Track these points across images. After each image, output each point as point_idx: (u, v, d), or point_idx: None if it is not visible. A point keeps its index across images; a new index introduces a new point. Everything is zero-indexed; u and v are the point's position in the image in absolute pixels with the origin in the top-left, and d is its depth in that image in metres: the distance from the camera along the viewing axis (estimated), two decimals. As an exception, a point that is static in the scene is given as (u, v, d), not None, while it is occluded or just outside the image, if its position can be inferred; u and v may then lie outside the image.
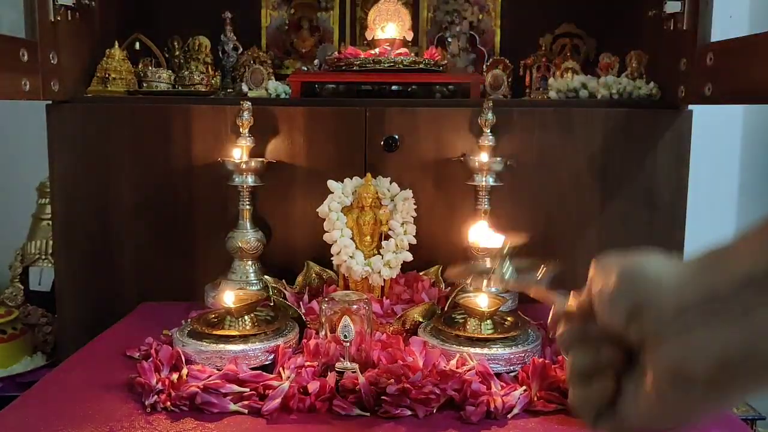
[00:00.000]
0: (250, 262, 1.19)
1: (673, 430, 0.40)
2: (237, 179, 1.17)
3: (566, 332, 0.46)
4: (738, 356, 0.34)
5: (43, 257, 1.53)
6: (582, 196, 1.26)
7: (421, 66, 1.26)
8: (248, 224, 1.19)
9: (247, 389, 0.84)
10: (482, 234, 1.06)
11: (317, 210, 1.11)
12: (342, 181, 1.13)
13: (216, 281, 1.20)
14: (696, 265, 0.38)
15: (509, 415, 0.82)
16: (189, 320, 0.99)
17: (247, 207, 1.19)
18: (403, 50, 1.29)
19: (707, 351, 0.35)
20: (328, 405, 0.83)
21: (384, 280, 1.10)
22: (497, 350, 0.90)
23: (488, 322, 0.95)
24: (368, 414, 0.82)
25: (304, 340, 0.94)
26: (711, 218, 1.69)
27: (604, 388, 0.41)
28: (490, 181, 1.17)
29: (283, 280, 1.15)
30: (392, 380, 0.83)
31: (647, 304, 0.38)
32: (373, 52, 1.28)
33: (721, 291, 0.36)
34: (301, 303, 1.09)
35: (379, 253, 1.10)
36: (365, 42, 1.39)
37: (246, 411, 0.82)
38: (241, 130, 1.18)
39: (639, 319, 0.38)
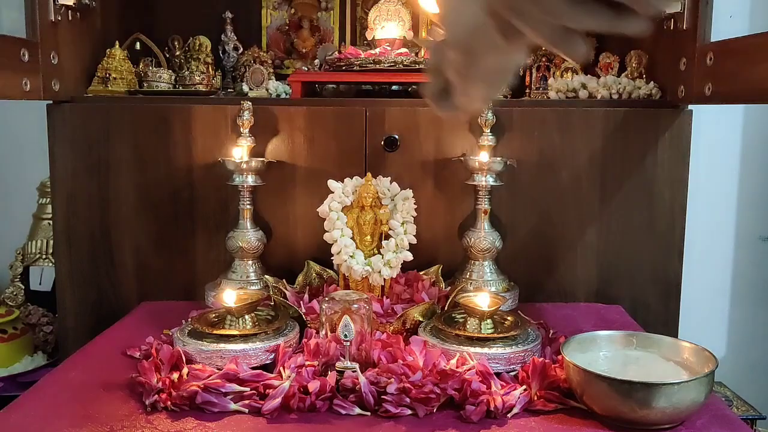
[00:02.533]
0: (250, 262, 1.19)
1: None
2: (237, 179, 1.17)
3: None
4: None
5: (44, 257, 1.53)
6: (582, 196, 1.26)
7: (421, 66, 1.26)
8: (249, 224, 1.19)
9: (248, 389, 0.84)
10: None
11: (317, 210, 1.11)
12: (342, 181, 1.13)
13: (216, 281, 1.20)
14: None
15: (509, 415, 0.82)
16: (189, 320, 0.99)
17: (248, 207, 1.19)
18: (404, 50, 1.29)
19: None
20: (328, 404, 0.83)
21: (384, 279, 1.10)
22: (497, 350, 0.91)
23: (488, 321, 0.95)
24: (368, 413, 0.82)
25: (305, 340, 0.94)
26: (711, 218, 1.69)
27: (440, 80, 0.53)
28: (490, 181, 1.17)
29: (284, 280, 1.15)
30: (392, 380, 0.83)
31: None
32: (373, 52, 1.29)
33: None
34: (301, 302, 1.09)
35: (379, 253, 1.11)
36: (365, 42, 1.39)
37: (246, 410, 0.82)
38: (241, 129, 1.18)
39: None
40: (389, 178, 1.15)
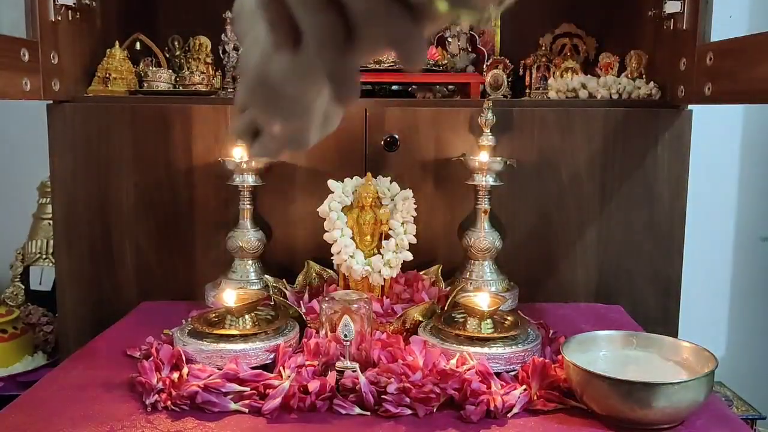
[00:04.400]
0: (250, 262, 1.19)
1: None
2: (237, 179, 1.17)
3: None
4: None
5: (44, 257, 1.53)
6: (582, 196, 1.26)
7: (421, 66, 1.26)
8: (249, 224, 1.19)
9: (248, 388, 0.84)
10: None
11: (317, 209, 1.11)
12: (342, 181, 1.13)
13: (216, 281, 1.20)
14: None
15: (509, 415, 0.82)
16: (189, 319, 0.99)
17: (248, 206, 1.19)
18: (404, 50, 1.29)
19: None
20: (328, 404, 0.83)
21: (384, 279, 1.10)
22: (497, 350, 0.91)
23: (488, 321, 0.95)
24: (368, 413, 0.82)
25: (305, 340, 0.94)
26: (711, 218, 1.69)
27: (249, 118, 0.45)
28: (490, 180, 1.17)
29: (284, 280, 1.15)
30: (392, 379, 0.83)
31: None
32: (373, 52, 1.28)
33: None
34: (301, 302, 1.09)
35: (379, 253, 1.11)
36: (365, 42, 1.39)
37: (246, 410, 0.82)
38: (241, 129, 1.18)
39: None
40: (389, 178, 1.15)
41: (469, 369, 0.86)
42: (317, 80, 0.39)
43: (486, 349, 0.90)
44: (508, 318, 0.99)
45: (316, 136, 0.45)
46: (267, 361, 0.91)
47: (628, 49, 1.34)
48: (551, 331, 1.04)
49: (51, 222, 1.31)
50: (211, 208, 1.26)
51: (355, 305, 0.90)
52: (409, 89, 1.34)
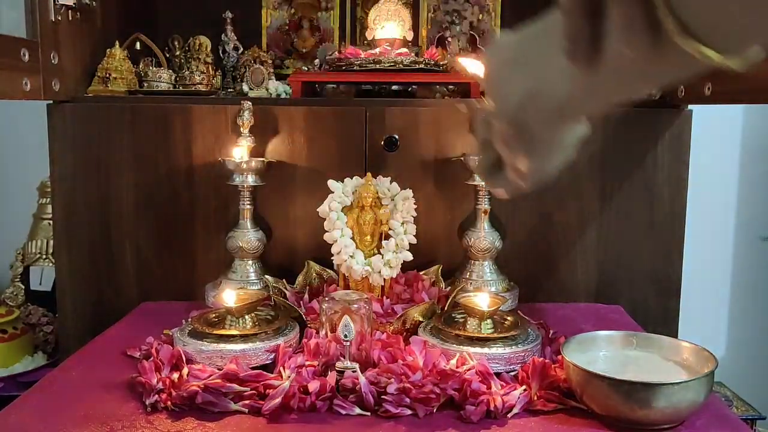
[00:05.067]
0: (250, 262, 1.19)
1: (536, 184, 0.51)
2: (237, 179, 1.17)
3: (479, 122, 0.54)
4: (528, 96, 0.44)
5: (44, 257, 1.53)
6: (582, 196, 1.26)
7: (421, 66, 1.26)
8: (249, 224, 1.19)
9: (248, 389, 0.84)
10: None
11: (317, 210, 1.11)
12: (342, 181, 1.13)
13: (216, 281, 1.20)
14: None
15: (509, 415, 0.82)
16: (189, 320, 0.99)
17: (248, 206, 1.19)
18: (403, 50, 1.29)
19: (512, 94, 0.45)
20: (328, 404, 0.83)
21: (384, 279, 1.10)
22: (497, 350, 0.91)
23: (488, 321, 0.95)
24: (368, 413, 0.82)
25: (305, 340, 0.94)
26: (711, 218, 1.69)
27: (492, 154, 0.51)
28: (491, 180, 1.16)
29: (284, 280, 1.15)
30: (392, 380, 0.83)
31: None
32: (373, 51, 1.29)
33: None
34: (301, 302, 1.09)
35: (379, 253, 1.11)
36: (365, 42, 1.39)
37: (246, 410, 0.82)
38: (241, 129, 1.18)
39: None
40: (389, 178, 1.15)
41: (469, 369, 0.86)
42: (579, 114, 0.45)
43: (486, 350, 0.90)
44: (508, 318, 0.99)
45: (557, 168, 0.50)
46: (267, 362, 0.91)
47: (628, 49, 1.34)
48: (551, 331, 1.04)
49: (51, 222, 1.31)
50: (211, 208, 1.26)
51: (355, 305, 0.90)
52: (409, 89, 1.34)
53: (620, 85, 0.40)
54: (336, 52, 1.33)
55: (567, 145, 0.49)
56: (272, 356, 0.92)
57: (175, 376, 0.86)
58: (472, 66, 0.94)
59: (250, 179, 1.18)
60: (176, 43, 1.43)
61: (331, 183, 1.12)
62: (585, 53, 0.37)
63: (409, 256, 1.10)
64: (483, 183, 1.15)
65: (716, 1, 0.33)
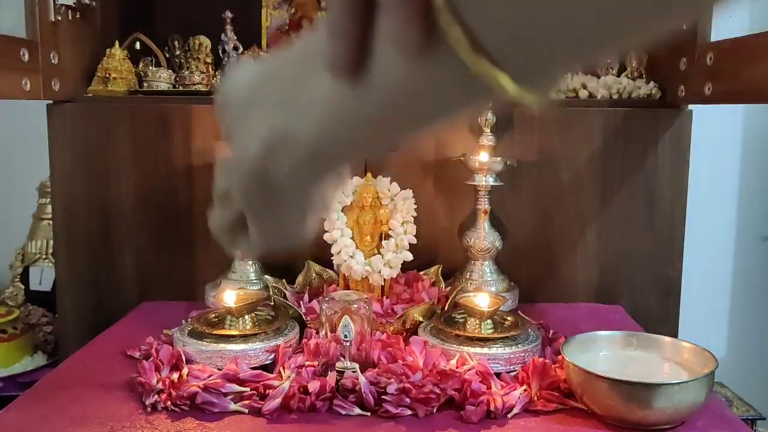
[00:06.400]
0: (250, 262, 1.19)
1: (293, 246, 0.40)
2: (237, 179, 1.17)
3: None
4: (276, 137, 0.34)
5: (44, 257, 1.53)
6: (582, 196, 1.26)
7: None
8: (248, 224, 1.18)
9: (248, 389, 0.84)
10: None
11: (317, 210, 1.11)
12: (342, 181, 1.13)
13: (216, 281, 1.20)
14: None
15: (509, 415, 0.82)
16: (189, 320, 0.99)
17: (248, 207, 1.18)
18: (404, 50, 1.29)
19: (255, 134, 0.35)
20: (328, 405, 0.83)
21: (384, 279, 1.10)
22: (497, 350, 0.91)
23: (488, 321, 0.95)
24: (368, 414, 0.82)
25: (305, 340, 0.94)
26: (711, 218, 1.69)
27: (232, 210, 0.42)
28: (490, 180, 1.17)
29: (284, 280, 1.15)
30: (392, 380, 0.83)
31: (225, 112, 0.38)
32: (373, 52, 1.28)
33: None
34: (301, 303, 1.09)
35: (379, 253, 1.11)
36: (365, 42, 1.39)
37: (246, 411, 0.82)
38: (241, 129, 1.18)
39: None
40: (389, 178, 1.15)
41: (469, 369, 0.86)
42: (340, 158, 0.35)
43: (486, 350, 0.90)
44: (508, 318, 0.99)
45: (310, 229, 0.40)
46: (267, 362, 0.91)
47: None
48: (551, 332, 1.04)
49: (51, 222, 1.31)
50: (210, 208, 1.26)
51: (355, 305, 0.90)
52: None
53: (395, 113, 0.31)
54: (336, 52, 1.33)
55: (322, 202, 0.39)
56: (272, 356, 0.92)
57: (175, 376, 0.85)
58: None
59: (250, 179, 1.17)
60: (176, 43, 1.43)
61: (331, 183, 1.12)
62: (350, 58, 0.29)
63: (409, 256, 1.10)
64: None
65: (522, 9, 0.24)
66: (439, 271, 1.17)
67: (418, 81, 0.28)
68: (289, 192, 0.36)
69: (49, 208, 1.41)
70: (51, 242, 1.46)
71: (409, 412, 0.82)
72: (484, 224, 1.18)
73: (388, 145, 0.34)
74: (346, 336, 0.86)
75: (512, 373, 0.90)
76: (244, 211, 0.41)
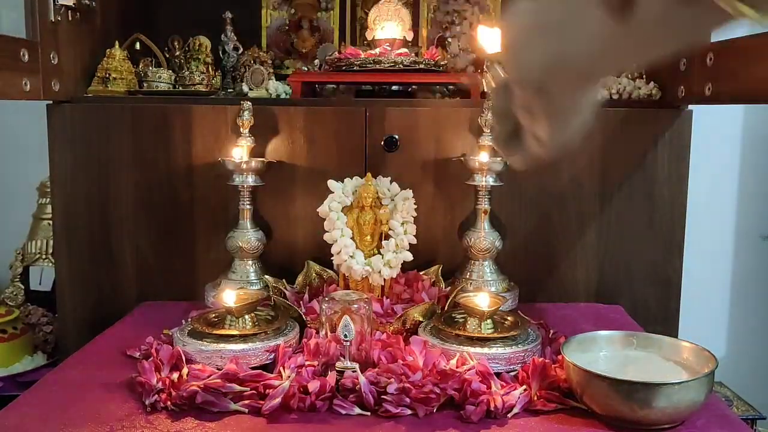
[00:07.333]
0: (250, 262, 1.19)
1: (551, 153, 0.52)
2: (237, 179, 1.17)
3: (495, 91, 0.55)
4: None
5: (44, 257, 1.53)
6: (582, 196, 1.26)
7: (421, 66, 1.26)
8: (248, 224, 1.19)
9: (248, 389, 0.84)
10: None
11: (317, 210, 1.11)
12: (342, 181, 1.13)
13: (216, 281, 1.20)
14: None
15: (509, 415, 0.82)
16: (189, 320, 0.99)
17: (248, 207, 1.19)
18: (403, 50, 1.29)
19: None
20: (328, 404, 0.83)
21: (384, 279, 1.10)
22: (497, 350, 0.91)
23: (488, 321, 0.95)
24: (368, 413, 0.82)
25: (305, 340, 0.94)
26: (711, 217, 1.69)
27: (509, 123, 0.51)
28: (490, 181, 1.17)
29: (284, 280, 1.15)
30: (392, 379, 0.83)
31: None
32: (373, 52, 1.28)
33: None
34: (301, 302, 1.09)
35: (379, 253, 1.11)
36: (365, 42, 1.39)
37: (246, 410, 0.82)
38: (241, 130, 1.18)
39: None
40: (389, 178, 1.15)
41: (469, 369, 0.86)
42: (605, 74, 0.45)
43: (486, 350, 0.90)
44: (508, 318, 0.99)
45: (576, 135, 0.50)
46: (267, 362, 0.91)
47: (628, 49, 1.34)
48: (551, 331, 1.04)
49: (51, 222, 1.31)
50: (211, 208, 1.26)
51: (355, 305, 0.90)
52: (409, 89, 1.34)
53: (650, 39, 0.40)
54: (336, 53, 1.33)
55: (587, 110, 0.49)
56: (272, 356, 0.92)
57: (175, 376, 0.86)
58: (490, 35, 0.93)
59: (250, 179, 1.18)
60: (176, 43, 1.43)
61: (331, 183, 1.12)
62: (620, 2, 0.38)
63: (409, 256, 1.10)
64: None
65: None
66: (439, 271, 1.17)
67: (673, 16, 0.36)
68: (561, 102, 0.46)
69: (49, 208, 1.41)
70: (51, 242, 1.46)
71: (409, 411, 0.82)
72: (484, 224, 1.18)
73: (643, 62, 0.46)
74: (346, 336, 0.86)
75: (512, 373, 0.90)
76: (522, 122, 0.49)
